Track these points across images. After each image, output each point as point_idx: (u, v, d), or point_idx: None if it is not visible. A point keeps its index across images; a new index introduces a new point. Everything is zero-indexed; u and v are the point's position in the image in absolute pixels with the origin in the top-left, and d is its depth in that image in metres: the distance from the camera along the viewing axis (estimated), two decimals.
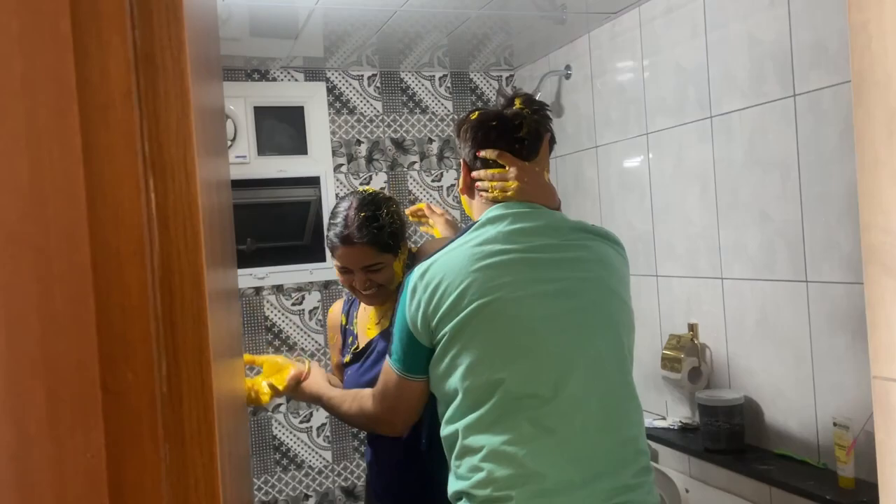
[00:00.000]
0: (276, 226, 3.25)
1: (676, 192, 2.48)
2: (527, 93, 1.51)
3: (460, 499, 1.31)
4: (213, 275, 0.69)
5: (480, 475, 1.26)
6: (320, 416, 3.16)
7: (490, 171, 1.41)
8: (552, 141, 1.52)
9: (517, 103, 1.45)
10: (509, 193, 1.39)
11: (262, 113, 3.12)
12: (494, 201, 1.41)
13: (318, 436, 3.18)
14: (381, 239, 1.62)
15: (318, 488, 3.18)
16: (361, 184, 3.26)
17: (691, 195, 2.41)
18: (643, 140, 2.63)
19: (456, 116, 3.41)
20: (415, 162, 3.35)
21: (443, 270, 1.32)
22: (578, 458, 1.27)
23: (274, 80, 3.13)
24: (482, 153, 1.42)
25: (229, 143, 3.04)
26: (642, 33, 2.59)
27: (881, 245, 0.78)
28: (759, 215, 2.13)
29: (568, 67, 3.07)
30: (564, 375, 1.28)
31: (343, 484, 3.21)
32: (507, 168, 1.40)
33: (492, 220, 1.36)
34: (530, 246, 1.34)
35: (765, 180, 2.11)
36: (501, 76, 3.50)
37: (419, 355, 1.36)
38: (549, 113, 1.50)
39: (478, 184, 1.43)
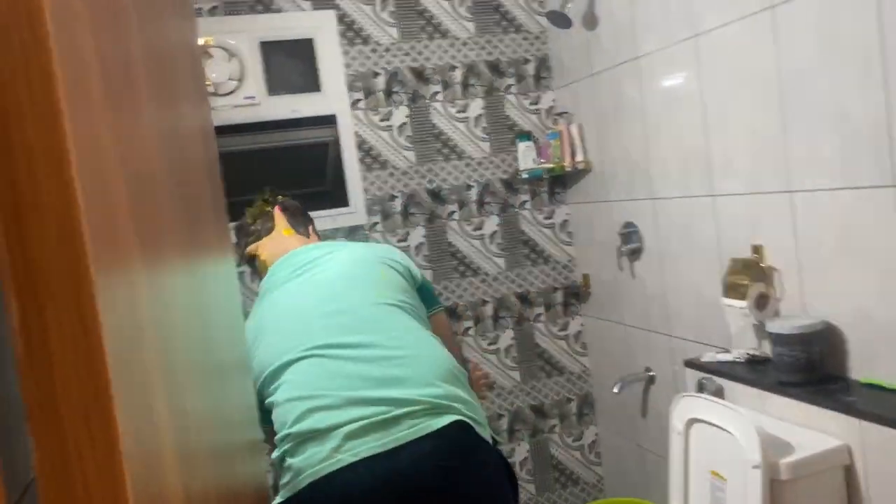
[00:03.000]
0: (294, 172, 3.05)
1: (733, 100, 2.20)
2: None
3: None
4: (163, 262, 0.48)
5: None
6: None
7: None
8: (284, 207, 2.13)
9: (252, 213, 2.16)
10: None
11: (269, 48, 2.88)
12: None
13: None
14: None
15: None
16: (382, 119, 3.02)
17: (751, 100, 2.13)
18: (691, 44, 2.34)
19: (479, 39, 3.13)
20: (437, 92, 3.09)
21: None
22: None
23: (279, 10, 2.88)
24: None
25: (236, 83, 2.81)
26: None
27: None
28: (835, 114, 1.85)
29: None
30: None
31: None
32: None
33: None
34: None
35: (840, 72, 1.82)
36: None
37: None
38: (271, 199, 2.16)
39: None
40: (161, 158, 0.62)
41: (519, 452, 3.27)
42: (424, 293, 1.85)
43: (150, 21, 0.68)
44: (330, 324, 1.60)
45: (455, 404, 1.53)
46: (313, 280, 1.71)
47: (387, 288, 1.68)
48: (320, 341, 1.57)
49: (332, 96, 2.95)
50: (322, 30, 2.93)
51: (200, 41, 2.02)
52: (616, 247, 2.88)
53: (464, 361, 1.90)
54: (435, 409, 1.50)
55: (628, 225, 2.85)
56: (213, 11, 2.80)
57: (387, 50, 3.02)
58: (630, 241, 2.83)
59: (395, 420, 1.45)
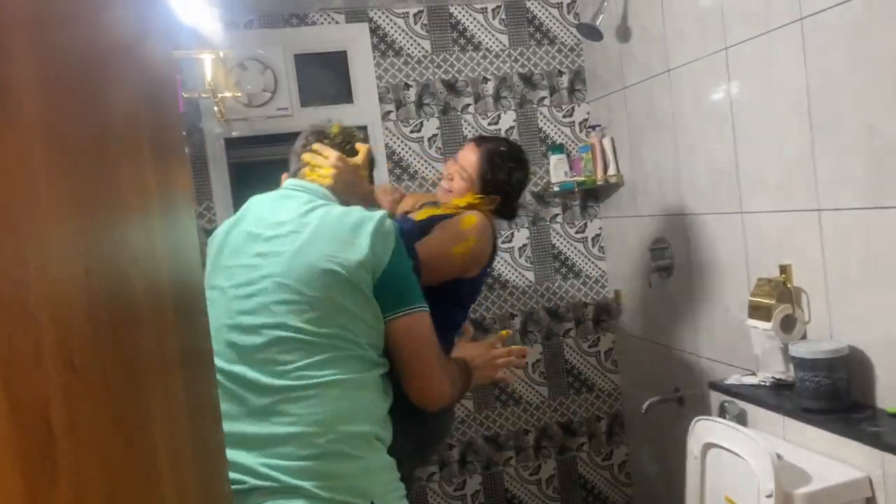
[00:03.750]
0: None
1: (763, 114, 2.13)
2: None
3: None
4: None
5: None
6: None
7: (314, 153, 1.66)
8: (371, 159, 1.75)
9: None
10: (326, 179, 1.58)
11: (302, 61, 2.93)
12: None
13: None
14: (488, 167, 2.01)
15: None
16: (412, 131, 3.04)
17: (781, 116, 2.05)
18: (722, 57, 2.28)
19: (512, 51, 3.12)
20: (469, 104, 3.09)
21: None
22: None
23: (313, 24, 2.93)
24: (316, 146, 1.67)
25: (270, 94, 2.88)
26: None
27: None
28: (866, 131, 1.77)
29: None
30: None
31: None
32: (326, 156, 1.62)
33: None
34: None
35: (870, 88, 1.74)
36: (562, 2, 3.17)
37: None
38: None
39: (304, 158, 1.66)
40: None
41: (545, 470, 3.21)
42: (387, 292, 1.40)
43: None
44: (229, 343, 1.40)
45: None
46: (252, 252, 1.44)
47: (302, 306, 1.36)
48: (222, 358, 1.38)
49: (364, 107, 2.98)
50: (355, 42, 2.97)
51: (218, 54, 2.07)
52: (647, 263, 2.81)
53: (451, 372, 1.54)
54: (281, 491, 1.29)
55: (659, 241, 2.78)
56: (248, 25, 2.87)
57: (419, 62, 3.03)
58: (661, 258, 2.77)
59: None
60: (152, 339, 0.73)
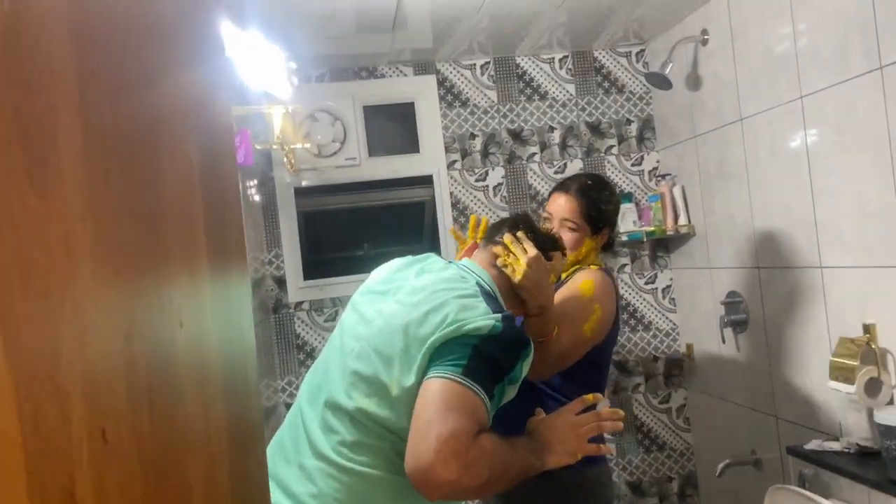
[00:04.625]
0: (391, 229, 3.13)
1: (842, 165, 2.03)
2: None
3: None
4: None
5: None
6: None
7: (512, 244, 1.53)
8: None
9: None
10: (517, 275, 1.50)
11: (371, 112, 3.00)
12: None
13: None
14: (589, 204, 1.85)
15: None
16: (477, 180, 3.05)
17: (861, 166, 1.96)
18: (797, 105, 2.20)
19: (579, 100, 3.11)
20: (535, 153, 3.09)
21: None
22: None
23: (382, 76, 3.01)
24: (518, 233, 1.56)
25: (339, 145, 2.95)
26: None
27: None
28: None
29: (704, 32, 2.68)
30: None
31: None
32: (525, 250, 1.52)
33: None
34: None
35: None
36: (630, 52, 3.15)
37: None
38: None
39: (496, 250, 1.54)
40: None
41: None
42: (435, 353, 1.26)
43: None
44: (318, 384, 1.39)
45: None
46: (359, 317, 1.43)
47: (366, 388, 1.29)
48: (308, 396, 1.41)
49: (430, 157, 3.02)
50: (422, 93, 3.02)
51: (287, 108, 2.13)
52: (720, 317, 2.70)
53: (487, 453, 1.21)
54: None
55: (732, 294, 2.67)
56: (320, 78, 2.97)
57: (485, 112, 3.06)
58: (734, 312, 2.65)
59: None
60: (196, 410, 0.73)
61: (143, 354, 0.61)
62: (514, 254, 1.51)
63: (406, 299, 1.35)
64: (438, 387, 1.19)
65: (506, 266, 1.50)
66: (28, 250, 0.46)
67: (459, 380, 1.19)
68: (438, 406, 1.17)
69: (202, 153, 0.84)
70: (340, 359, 1.37)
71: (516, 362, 1.28)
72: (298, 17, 2.40)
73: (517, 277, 1.48)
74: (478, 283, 1.40)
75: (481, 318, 1.26)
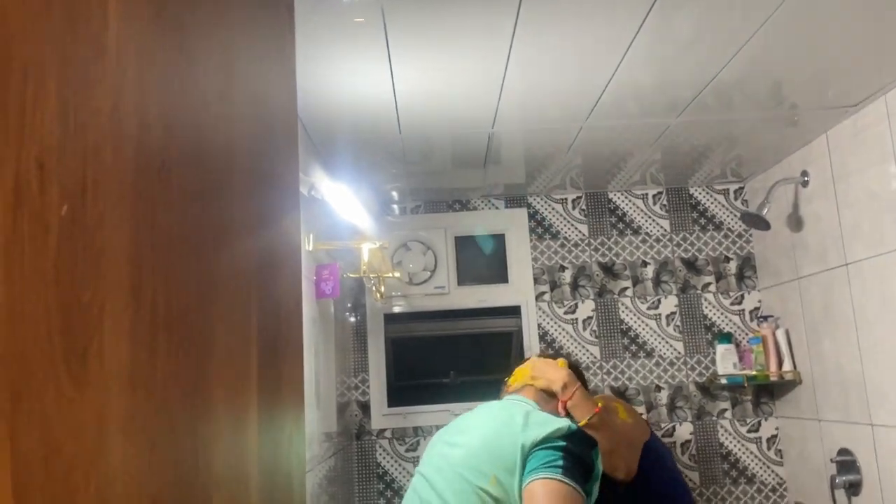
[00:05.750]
0: (478, 358, 3.11)
1: None
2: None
3: None
4: None
5: None
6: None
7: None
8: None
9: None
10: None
11: (462, 242, 3.07)
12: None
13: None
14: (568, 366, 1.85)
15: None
16: (566, 312, 3.00)
17: None
18: None
19: (674, 236, 3.06)
20: (626, 287, 3.03)
21: None
22: None
23: (474, 209, 3.09)
24: None
25: (429, 274, 3.01)
26: (891, 123, 2.10)
27: None
28: None
29: (804, 173, 2.61)
30: None
31: None
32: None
33: None
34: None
35: None
36: (728, 189, 3.10)
37: None
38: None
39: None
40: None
41: None
42: (531, 457, 1.44)
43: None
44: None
45: None
46: (435, 463, 1.60)
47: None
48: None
49: (519, 287, 3.02)
50: (514, 225, 3.07)
51: (375, 242, 2.21)
52: (830, 476, 2.45)
53: None
54: None
55: (843, 452, 2.44)
56: (415, 210, 3.08)
57: (575, 245, 3.06)
58: (847, 472, 2.40)
59: None
60: None
61: (170, 465, 0.61)
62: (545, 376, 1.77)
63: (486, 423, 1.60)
64: (547, 488, 1.35)
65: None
66: (56, 437, 0.48)
67: (563, 479, 1.35)
68: None
69: (263, 317, 0.87)
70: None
71: (595, 458, 1.44)
72: (396, 156, 2.53)
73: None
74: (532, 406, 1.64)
75: (557, 421, 1.48)
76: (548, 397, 1.73)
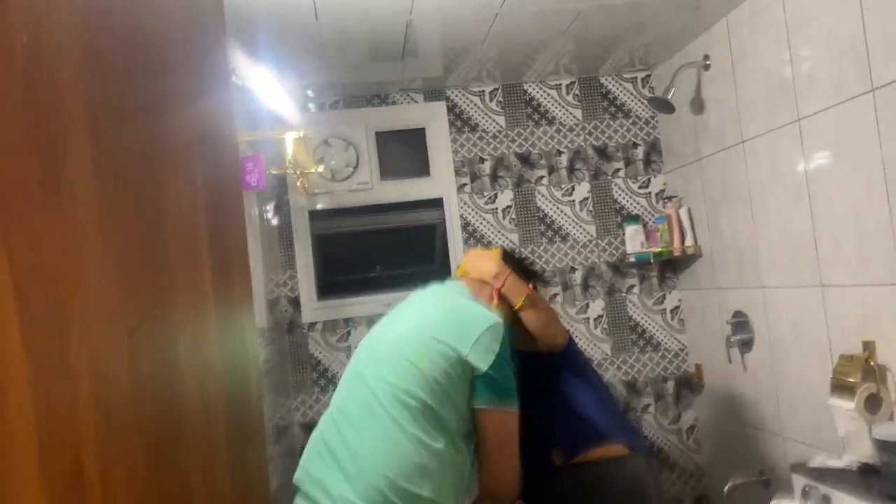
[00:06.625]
0: (403, 252, 3.20)
1: (839, 185, 2.08)
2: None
3: None
4: None
5: None
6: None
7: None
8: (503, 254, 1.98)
9: None
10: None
11: (383, 138, 3.10)
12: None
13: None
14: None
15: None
16: (486, 203, 3.12)
17: (858, 187, 2.00)
18: (795, 128, 2.25)
19: (586, 125, 3.18)
20: (543, 176, 3.15)
21: None
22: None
23: (394, 103, 3.11)
24: None
25: (352, 170, 3.04)
26: (786, 5, 2.23)
27: None
28: None
29: (706, 57, 2.74)
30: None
31: None
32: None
33: None
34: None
35: None
36: (636, 77, 3.22)
37: None
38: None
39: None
40: None
41: None
42: (476, 384, 1.58)
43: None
44: (353, 387, 1.66)
45: None
46: (382, 328, 1.76)
47: (408, 377, 1.56)
48: (339, 402, 1.67)
49: (440, 181, 3.10)
50: (433, 119, 3.11)
51: (299, 133, 2.23)
52: (726, 336, 2.73)
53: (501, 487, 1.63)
54: None
55: (738, 314, 2.70)
56: (334, 105, 3.07)
57: (493, 136, 3.14)
58: (740, 332, 2.68)
59: None
60: (196, 399, 0.79)
61: (145, 351, 0.68)
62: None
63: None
64: (498, 419, 1.59)
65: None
66: (43, 245, 0.53)
67: (510, 408, 1.60)
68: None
69: (207, 178, 0.92)
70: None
71: (509, 354, 1.62)
72: (313, 48, 2.50)
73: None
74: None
75: (484, 320, 1.63)
76: (482, 285, 1.84)
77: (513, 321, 1.81)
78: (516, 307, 1.83)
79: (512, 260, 1.97)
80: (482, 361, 1.56)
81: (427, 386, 1.53)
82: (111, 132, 0.65)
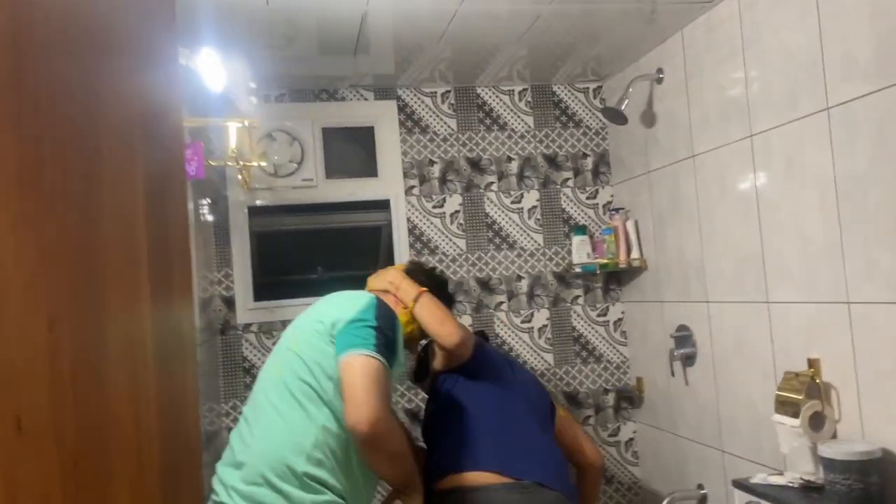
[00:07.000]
0: (347, 252, 3.09)
1: (789, 203, 2.09)
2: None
3: None
4: None
5: None
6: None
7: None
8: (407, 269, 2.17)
9: None
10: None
11: (330, 134, 2.99)
12: None
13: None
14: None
15: None
16: (435, 206, 3.05)
17: (807, 205, 2.01)
18: (747, 144, 2.26)
19: (537, 132, 3.15)
20: (492, 182, 3.11)
21: None
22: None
23: (342, 99, 3.00)
24: None
25: (296, 166, 2.92)
26: (742, 20, 2.25)
27: None
28: (893, 224, 1.72)
29: (660, 71, 2.75)
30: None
31: None
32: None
33: None
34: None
35: None
36: (588, 87, 3.21)
37: None
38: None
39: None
40: None
41: None
42: (336, 341, 1.67)
43: None
44: (254, 390, 1.79)
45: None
46: (284, 335, 1.87)
47: (289, 363, 1.70)
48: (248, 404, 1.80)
49: (388, 182, 3.01)
50: (383, 118, 3.02)
51: (244, 122, 2.11)
52: (669, 350, 2.73)
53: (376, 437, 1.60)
54: None
55: (682, 328, 2.71)
56: (280, 98, 2.95)
57: (444, 139, 3.07)
58: (683, 346, 2.68)
59: None
60: (125, 404, 0.69)
61: (69, 342, 0.57)
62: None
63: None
64: (360, 362, 1.60)
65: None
66: None
67: (375, 356, 1.61)
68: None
69: (149, 166, 0.81)
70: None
71: (395, 330, 1.73)
72: (260, 36, 2.38)
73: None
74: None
75: (364, 296, 1.76)
76: (385, 294, 2.02)
77: (419, 330, 2.01)
78: (409, 307, 2.00)
79: (420, 272, 2.16)
80: (344, 314, 1.68)
81: (305, 367, 1.66)
82: (40, 118, 0.55)
